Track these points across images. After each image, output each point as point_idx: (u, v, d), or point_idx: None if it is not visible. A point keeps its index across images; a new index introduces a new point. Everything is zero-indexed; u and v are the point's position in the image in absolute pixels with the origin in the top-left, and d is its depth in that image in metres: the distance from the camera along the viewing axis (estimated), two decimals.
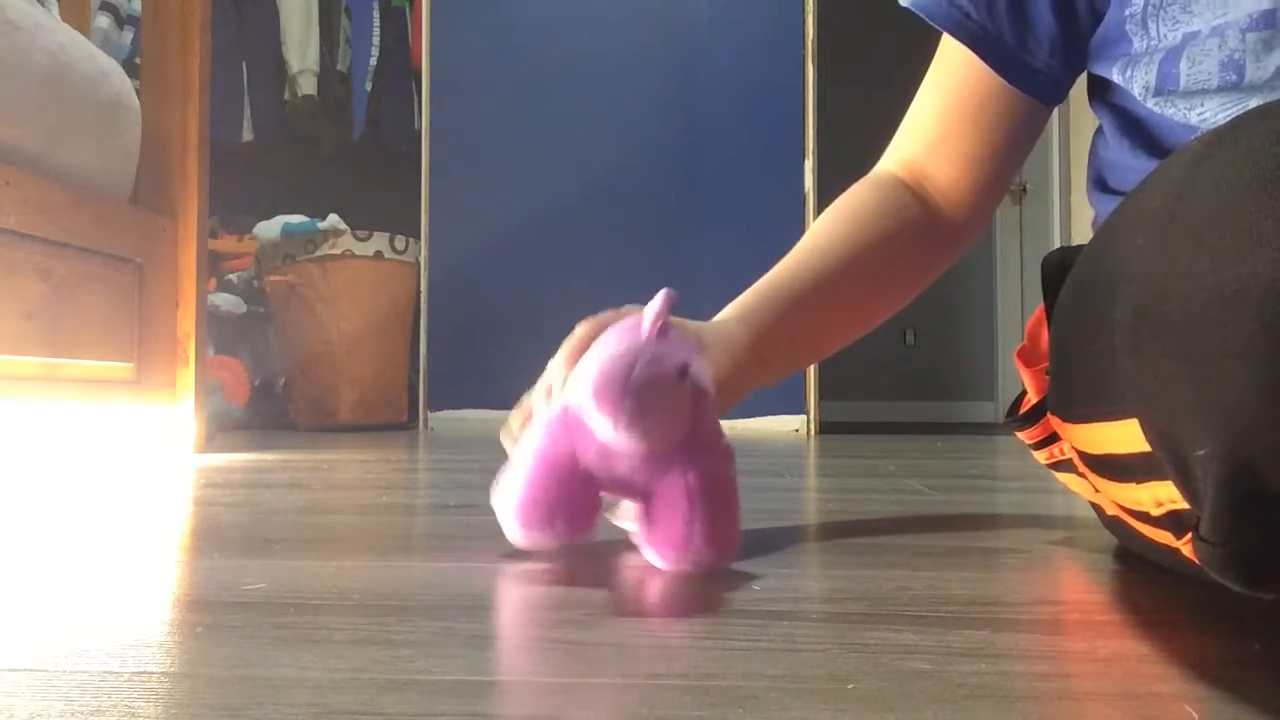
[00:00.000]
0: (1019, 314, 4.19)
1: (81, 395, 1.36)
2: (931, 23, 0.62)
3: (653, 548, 0.50)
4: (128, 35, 2.88)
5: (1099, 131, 0.62)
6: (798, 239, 0.70)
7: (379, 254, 2.66)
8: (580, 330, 0.59)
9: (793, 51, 2.59)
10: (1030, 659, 0.36)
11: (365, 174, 3.36)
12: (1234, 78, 0.49)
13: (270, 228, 2.77)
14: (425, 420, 2.66)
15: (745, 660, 0.36)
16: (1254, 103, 0.48)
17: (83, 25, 1.78)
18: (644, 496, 0.51)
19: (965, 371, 4.48)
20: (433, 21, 2.69)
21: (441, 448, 1.81)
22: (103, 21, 2.79)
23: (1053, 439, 0.56)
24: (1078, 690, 0.33)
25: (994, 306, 4.33)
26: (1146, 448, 0.34)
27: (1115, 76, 0.56)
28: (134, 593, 0.48)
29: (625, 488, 0.51)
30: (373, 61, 3.26)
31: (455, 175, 2.67)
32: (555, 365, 0.58)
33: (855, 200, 0.69)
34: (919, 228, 0.68)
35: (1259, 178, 0.27)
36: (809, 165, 2.56)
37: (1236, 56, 0.49)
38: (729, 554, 0.52)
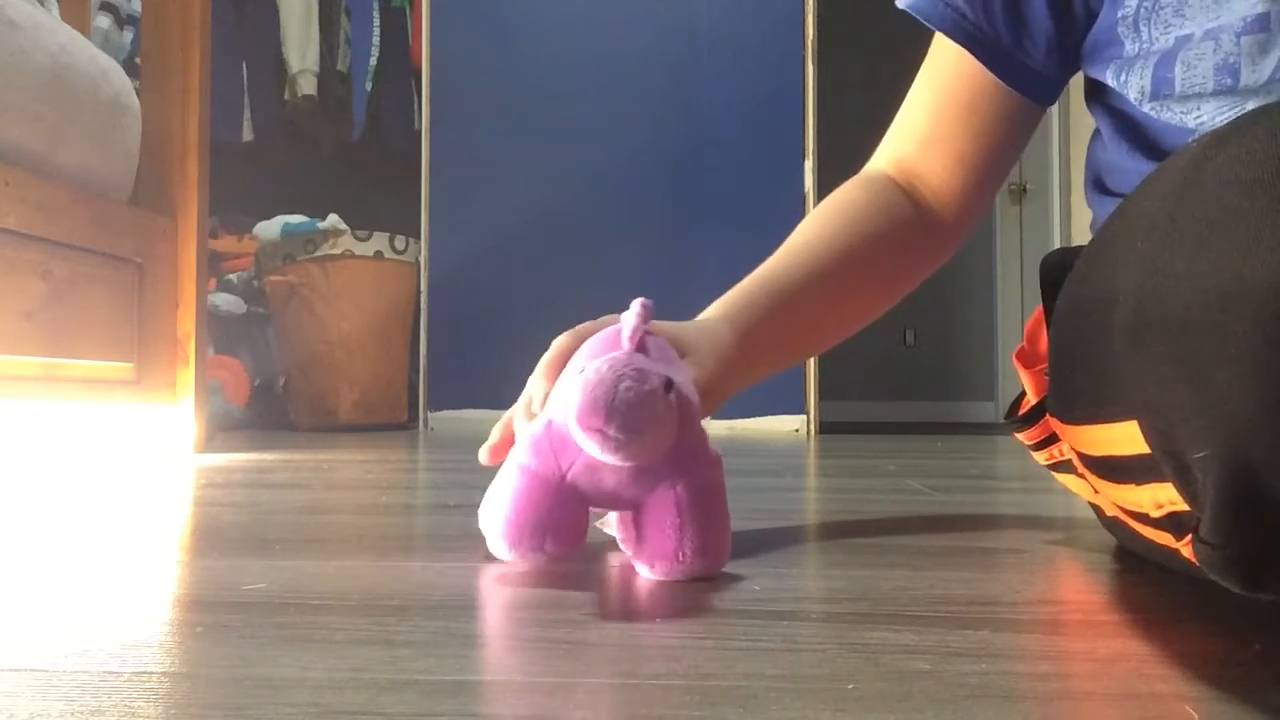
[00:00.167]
0: (1019, 314, 4.19)
1: (81, 395, 1.36)
2: (926, 23, 0.62)
3: (643, 560, 0.51)
4: (128, 35, 2.88)
5: (1096, 133, 0.62)
6: None
7: (379, 254, 2.66)
8: (559, 343, 0.58)
9: (793, 51, 2.59)
10: (1030, 659, 0.36)
11: (365, 174, 3.36)
12: (1229, 81, 0.49)
13: (270, 228, 2.77)
14: (425, 420, 2.66)
15: (745, 660, 0.36)
16: (1251, 106, 0.48)
17: (83, 25, 1.79)
18: (633, 509, 0.51)
19: (965, 371, 4.48)
20: (433, 21, 2.69)
21: (441, 448, 1.81)
22: (103, 21, 2.79)
23: (1052, 440, 0.56)
24: (1078, 690, 0.33)
25: (994, 306, 4.33)
26: (1146, 450, 0.34)
27: (1110, 80, 0.56)
28: (134, 593, 0.48)
29: (613, 501, 0.51)
30: (373, 61, 3.26)
31: (455, 175, 2.67)
32: (535, 381, 0.57)
33: (845, 198, 0.69)
34: (909, 226, 0.68)
35: (1259, 180, 0.27)
36: (809, 165, 2.56)
37: (1231, 60, 0.49)
38: (719, 563, 0.52)
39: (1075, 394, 0.45)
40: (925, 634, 0.40)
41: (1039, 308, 0.57)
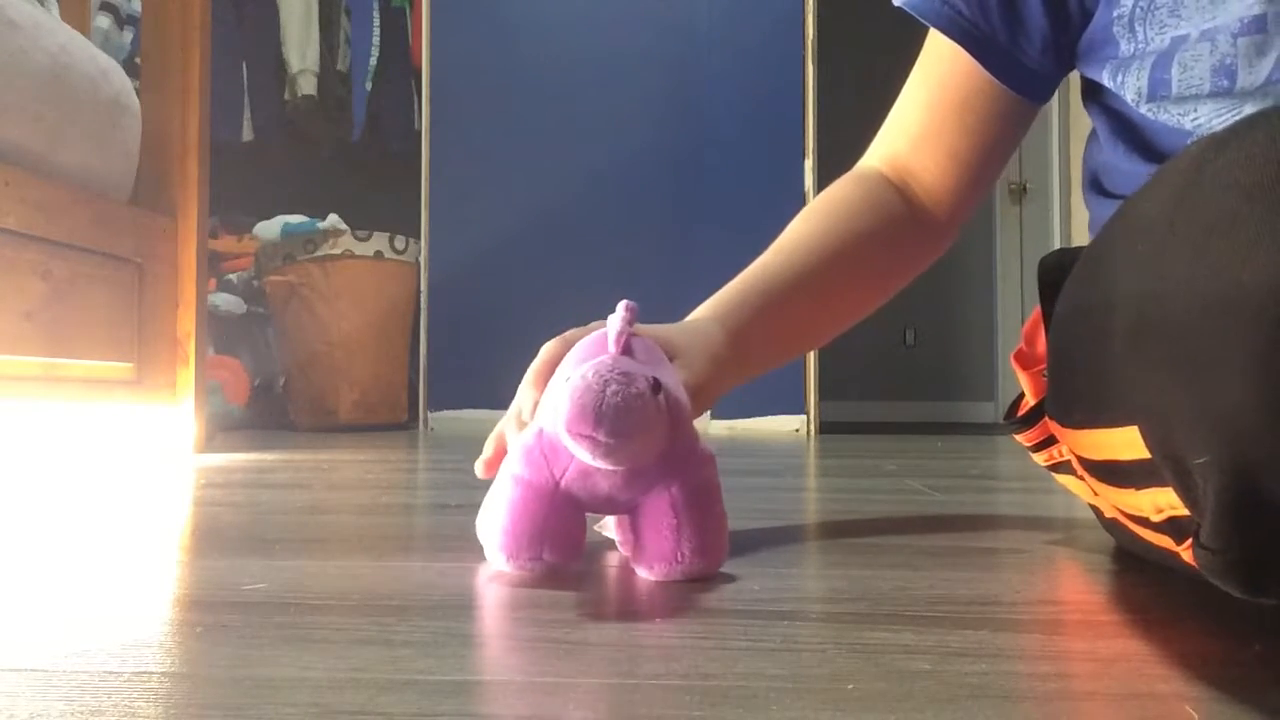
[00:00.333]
0: (1019, 314, 4.19)
1: (81, 395, 1.36)
2: (923, 20, 0.62)
3: (642, 563, 0.51)
4: (128, 35, 2.88)
5: (1093, 134, 0.62)
6: None
7: (379, 254, 2.66)
8: (546, 351, 0.57)
9: (793, 51, 2.59)
10: (1030, 659, 0.36)
11: (365, 174, 3.36)
12: (1226, 83, 0.48)
13: (270, 228, 2.77)
14: (425, 420, 2.66)
15: (745, 660, 0.36)
16: (1248, 108, 0.48)
17: (83, 25, 1.78)
18: (629, 512, 0.51)
19: (965, 371, 4.48)
20: (433, 21, 2.69)
21: (441, 448, 1.81)
22: (103, 21, 2.79)
23: (1051, 441, 0.56)
24: (1078, 690, 0.33)
25: (994, 306, 4.33)
26: (1146, 454, 0.34)
27: (1106, 80, 0.56)
28: (134, 593, 0.48)
29: (609, 506, 0.51)
30: (373, 61, 3.26)
31: (455, 175, 2.67)
32: (524, 390, 0.57)
33: (837, 195, 0.68)
34: (901, 223, 0.68)
35: (1258, 184, 0.26)
36: (809, 165, 2.56)
37: (1228, 62, 0.48)
38: (718, 562, 0.52)
39: (1074, 398, 0.45)
40: (925, 634, 0.40)
41: (1037, 309, 0.57)
